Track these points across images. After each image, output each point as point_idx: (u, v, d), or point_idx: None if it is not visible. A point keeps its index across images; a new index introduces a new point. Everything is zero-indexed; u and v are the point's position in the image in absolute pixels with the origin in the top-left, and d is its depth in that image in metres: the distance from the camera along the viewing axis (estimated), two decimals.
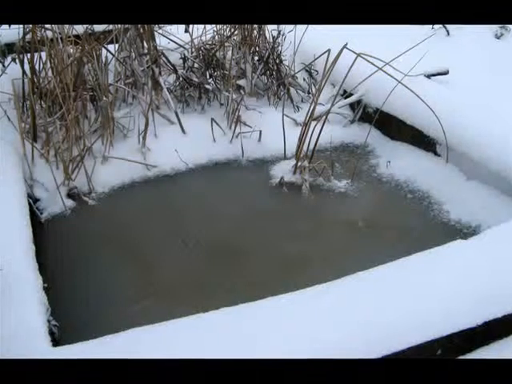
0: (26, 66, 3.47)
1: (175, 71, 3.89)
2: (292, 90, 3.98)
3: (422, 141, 3.40)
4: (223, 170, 3.42)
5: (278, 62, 4.00)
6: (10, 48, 3.67)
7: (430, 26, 4.47)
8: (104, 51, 3.59)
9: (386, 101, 3.41)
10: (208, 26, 4.15)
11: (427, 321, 1.91)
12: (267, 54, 3.98)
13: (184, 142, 3.52)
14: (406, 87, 3.31)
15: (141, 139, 3.40)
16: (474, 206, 2.92)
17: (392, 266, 2.15)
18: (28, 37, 3.52)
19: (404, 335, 1.87)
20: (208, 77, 3.94)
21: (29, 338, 1.87)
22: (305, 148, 3.33)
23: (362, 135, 3.58)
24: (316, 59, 3.83)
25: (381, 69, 3.32)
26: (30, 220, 2.63)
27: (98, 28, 3.90)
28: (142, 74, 3.72)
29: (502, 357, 1.93)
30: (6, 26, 3.41)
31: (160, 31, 4.09)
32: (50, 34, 3.46)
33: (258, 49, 4.04)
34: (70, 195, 3.10)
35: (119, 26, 3.68)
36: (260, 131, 3.54)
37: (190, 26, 4.17)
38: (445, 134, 3.18)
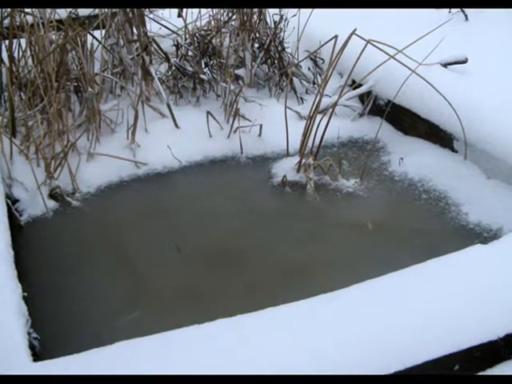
0: (4, 54, 3.47)
1: (167, 60, 3.90)
2: (295, 80, 3.98)
3: (437, 136, 3.40)
4: (220, 168, 3.42)
5: (280, 49, 4.01)
6: None
7: (447, 9, 4.47)
8: (89, 38, 3.59)
9: (399, 92, 3.41)
10: (203, 11, 4.15)
11: (444, 333, 1.91)
12: (268, 40, 3.98)
13: (177, 137, 3.52)
14: (421, 77, 3.31)
15: (130, 134, 3.40)
16: (494, 207, 2.92)
17: (405, 272, 2.15)
18: (6, 22, 3.52)
19: (419, 349, 1.86)
20: (203, 66, 3.95)
21: (7, 351, 1.86)
22: (309, 144, 3.33)
23: (373, 130, 3.57)
24: (322, 46, 3.83)
25: (393, 57, 3.32)
26: (9, 223, 2.63)
27: (83, 12, 3.90)
28: (131, 63, 3.71)
29: None
30: None
31: (151, 16, 4.10)
32: (30, 18, 3.46)
33: (258, 35, 4.04)
34: (52, 195, 3.10)
35: (106, 10, 3.68)
36: (260, 125, 3.54)
37: (184, 10, 4.17)
38: (463, 128, 3.18)
